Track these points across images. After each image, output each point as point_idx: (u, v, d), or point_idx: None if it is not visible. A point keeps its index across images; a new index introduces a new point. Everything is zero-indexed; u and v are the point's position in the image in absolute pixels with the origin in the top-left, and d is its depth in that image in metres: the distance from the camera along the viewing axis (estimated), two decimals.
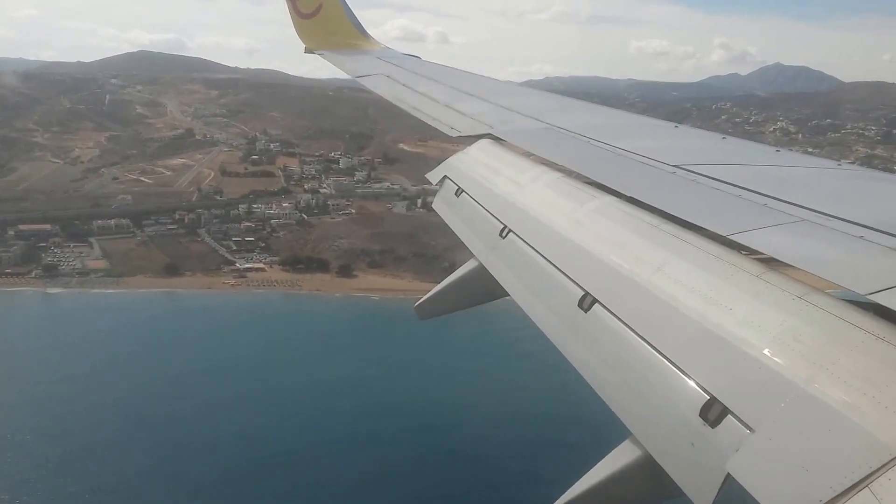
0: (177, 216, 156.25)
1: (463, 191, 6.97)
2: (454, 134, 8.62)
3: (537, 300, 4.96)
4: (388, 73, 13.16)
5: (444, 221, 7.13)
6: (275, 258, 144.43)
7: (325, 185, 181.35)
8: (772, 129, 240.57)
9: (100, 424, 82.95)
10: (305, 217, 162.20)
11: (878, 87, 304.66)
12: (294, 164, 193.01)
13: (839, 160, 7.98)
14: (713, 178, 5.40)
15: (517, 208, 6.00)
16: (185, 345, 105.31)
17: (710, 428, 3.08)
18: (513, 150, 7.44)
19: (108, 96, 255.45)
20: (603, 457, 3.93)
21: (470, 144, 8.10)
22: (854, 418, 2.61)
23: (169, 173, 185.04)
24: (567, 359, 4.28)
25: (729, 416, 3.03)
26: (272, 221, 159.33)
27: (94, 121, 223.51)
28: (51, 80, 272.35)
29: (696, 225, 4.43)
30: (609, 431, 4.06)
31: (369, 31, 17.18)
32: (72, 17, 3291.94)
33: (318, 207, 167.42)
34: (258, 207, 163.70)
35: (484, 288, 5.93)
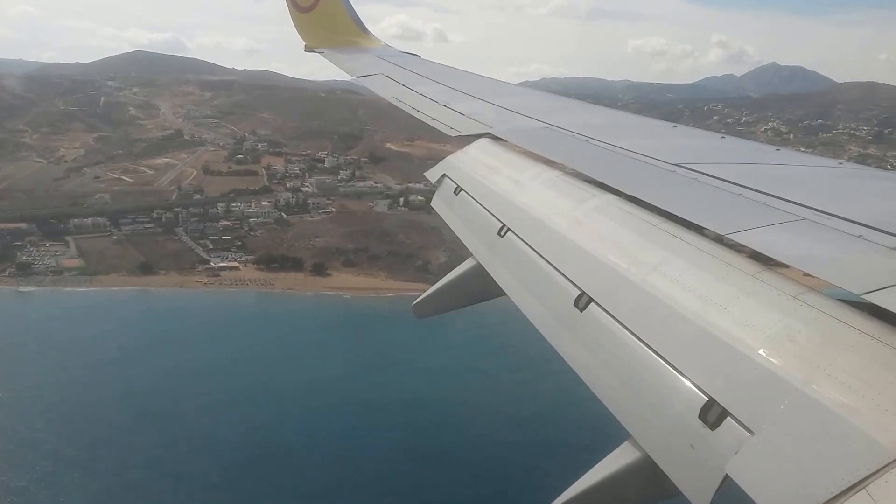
0: (155, 215, 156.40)
1: (462, 189, 7.01)
2: (453, 134, 8.63)
3: (534, 299, 4.95)
4: (387, 73, 13.22)
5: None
6: (250, 257, 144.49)
7: (307, 184, 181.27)
8: (763, 129, 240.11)
9: (44, 422, 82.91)
10: (285, 216, 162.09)
11: (870, 88, 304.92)
12: (279, 164, 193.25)
13: (838, 159, 7.90)
14: (713, 177, 5.40)
15: (516, 207, 6.02)
16: (149, 343, 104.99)
17: (709, 430, 3.06)
18: (511, 149, 7.49)
19: (102, 98, 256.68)
20: (600, 457, 3.92)
21: (467, 144, 8.17)
22: (851, 420, 2.60)
23: (151, 172, 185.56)
24: (563, 358, 4.29)
25: (728, 418, 3.01)
26: (250, 220, 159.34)
27: (85, 122, 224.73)
28: (48, 82, 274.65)
29: (695, 224, 4.42)
30: (608, 432, 4.03)
31: (367, 27, 17.11)
32: (71, 17, 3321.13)
33: (298, 206, 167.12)
34: (237, 206, 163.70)
35: (481, 287, 5.94)
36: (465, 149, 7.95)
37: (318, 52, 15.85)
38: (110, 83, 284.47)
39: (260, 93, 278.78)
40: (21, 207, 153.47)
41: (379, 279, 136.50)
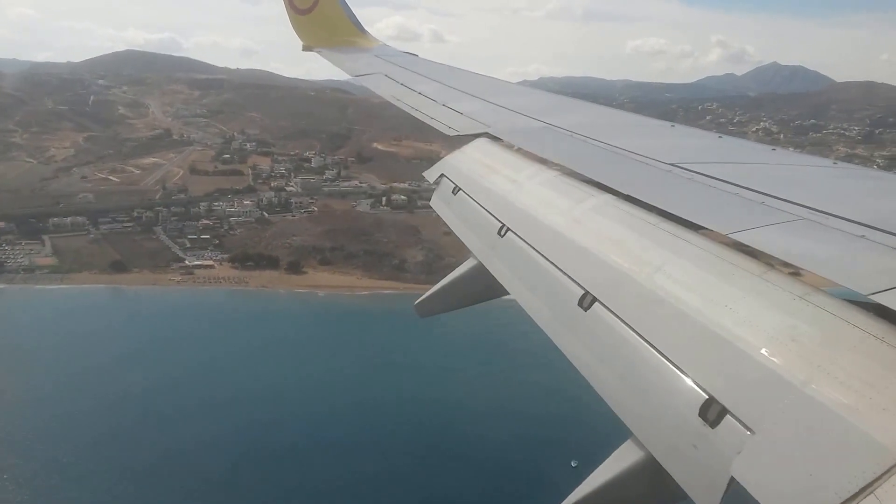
0: (135, 214, 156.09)
1: (460, 189, 6.99)
2: (452, 133, 8.60)
3: (537, 299, 4.93)
4: (386, 72, 13.26)
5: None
6: (226, 255, 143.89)
7: (291, 184, 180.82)
8: (754, 129, 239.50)
9: None
10: (266, 215, 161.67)
11: (868, 87, 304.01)
12: (266, 164, 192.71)
13: (832, 159, 7.78)
14: (711, 177, 5.39)
15: (515, 207, 6.03)
16: (109, 339, 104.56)
17: (709, 428, 3.07)
18: (510, 148, 7.49)
19: (92, 97, 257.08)
20: (604, 456, 3.90)
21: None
22: (857, 422, 2.59)
23: (138, 172, 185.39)
24: (567, 357, 4.26)
25: (728, 416, 3.02)
26: (231, 219, 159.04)
27: (74, 121, 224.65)
28: (38, 81, 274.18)
29: (694, 223, 4.41)
30: (610, 431, 4.04)
31: (365, 28, 17.18)
32: (70, 18, 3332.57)
33: (280, 205, 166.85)
34: (218, 205, 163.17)
35: (483, 286, 5.98)
36: (462, 148, 7.94)
37: (317, 52, 15.95)
38: (100, 82, 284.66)
39: (249, 92, 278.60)
40: (3, 207, 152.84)
41: (354, 277, 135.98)
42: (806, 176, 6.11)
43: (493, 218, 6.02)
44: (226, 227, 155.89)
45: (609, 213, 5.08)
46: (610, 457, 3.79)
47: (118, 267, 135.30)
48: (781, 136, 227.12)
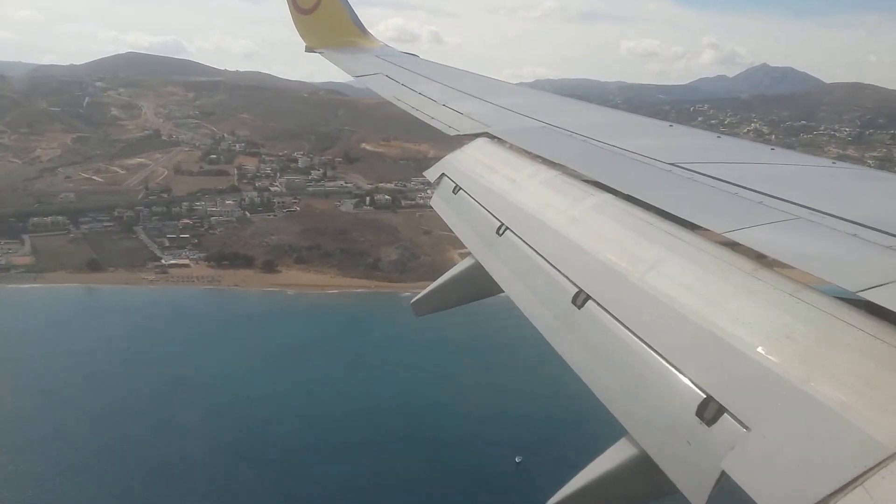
0: (116, 213, 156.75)
1: (460, 188, 7.04)
2: (452, 132, 8.70)
3: (532, 297, 4.97)
4: (387, 73, 13.37)
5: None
6: (202, 254, 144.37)
7: (276, 184, 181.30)
8: (745, 130, 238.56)
9: None
10: (248, 214, 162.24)
11: (857, 89, 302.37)
12: (252, 164, 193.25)
13: (830, 159, 7.88)
14: (709, 176, 5.43)
15: (514, 206, 6.06)
16: (70, 338, 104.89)
17: (706, 427, 3.08)
18: (510, 148, 7.56)
19: (87, 99, 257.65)
20: (597, 454, 3.90)
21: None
22: (848, 416, 2.62)
23: (123, 172, 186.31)
24: (561, 356, 4.27)
25: (725, 414, 3.03)
26: (212, 219, 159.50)
27: (66, 123, 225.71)
28: (35, 83, 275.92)
29: (692, 222, 4.46)
30: (605, 429, 4.00)
31: (367, 29, 17.36)
32: (74, 21, 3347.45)
33: (263, 205, 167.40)
34: (200, 205, 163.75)
35: (480, 285, 5.99)
36: (463, 148, 8.00)
37: (319, 53, 16.06)
38: (98, 84, 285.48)
39: (243, 93, 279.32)
40: None
41: (328, 276, 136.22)
42: (805, 175, 6.17)
43: (492, 217, 6.07)
44: (206, 227, 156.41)
45: (607, 211, 5.11)
46: (603, 454, 3.81)
47: (93, 266, 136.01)
48: (773, 137, 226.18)
